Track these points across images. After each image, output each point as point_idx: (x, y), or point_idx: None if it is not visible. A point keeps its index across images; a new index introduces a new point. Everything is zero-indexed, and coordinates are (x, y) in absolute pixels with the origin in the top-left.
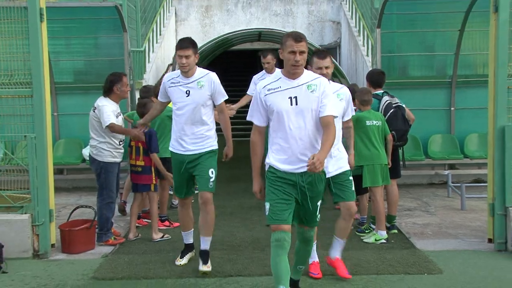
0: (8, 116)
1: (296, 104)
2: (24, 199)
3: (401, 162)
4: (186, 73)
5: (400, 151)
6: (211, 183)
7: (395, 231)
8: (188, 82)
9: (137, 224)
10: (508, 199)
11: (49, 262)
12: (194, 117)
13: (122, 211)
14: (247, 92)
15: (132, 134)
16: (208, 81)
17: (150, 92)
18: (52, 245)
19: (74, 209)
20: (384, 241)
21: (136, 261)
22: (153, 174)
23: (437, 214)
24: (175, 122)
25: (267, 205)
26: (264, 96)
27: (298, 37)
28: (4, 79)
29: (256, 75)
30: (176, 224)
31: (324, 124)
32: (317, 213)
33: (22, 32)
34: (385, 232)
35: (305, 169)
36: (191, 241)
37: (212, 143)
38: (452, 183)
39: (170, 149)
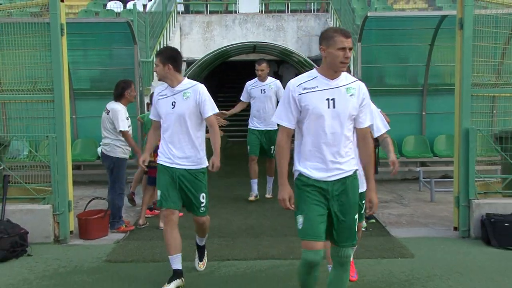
0: (32, 118)
1: (334, 107)
2: (46, 192)
3: (377, 161)
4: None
5: (377, 150)
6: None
7: (373, 220)
8: (174, 93)
9: (147, 215)
10: (471, 192)
11: (68, 246)
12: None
13: (131, 200)
14: (241, 98)
15: (137, 154)
16: (194, 91)
17: None
18: (71, 232)
19: (90, 201)
20: (364, 229)
21: (145, 247)
22: None
23: (410, 206)
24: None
25: (300, 218)
26: (298, 95)
27: (347, 33)
28: (29, 86)
29: (249, 82)
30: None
31: (361, 136)
32: (355, 228)
33: (45, 45)
34: (365, 221)
35: (337, 177)
36: (179, 266)
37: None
38: (423, 178)
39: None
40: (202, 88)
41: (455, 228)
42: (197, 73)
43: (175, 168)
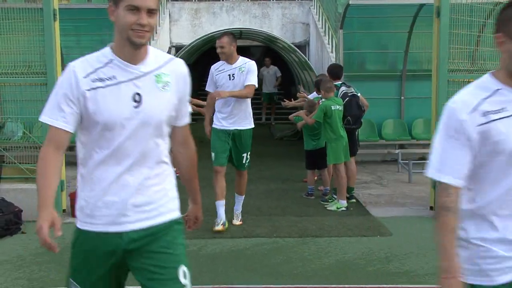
0: (27, 101)
1: None
2: None
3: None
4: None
5: (356, 133)
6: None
7: (354, 200)
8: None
9: None
10: None
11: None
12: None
13: None
14: (207, 89)
15: None
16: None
17: None
18: (64, 211)
19: None
20: (344, 209)
21: None
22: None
23: (388, 186)
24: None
25: None
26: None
27: None
28: (23, 69)
29: (214, 64)
30: None
31: None
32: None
33: (38, 30)
34: (345, 201)
35: None
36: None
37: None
38: (402, 160)
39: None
40: (253, 65)
41: (431, 208)
42: (185, 58)
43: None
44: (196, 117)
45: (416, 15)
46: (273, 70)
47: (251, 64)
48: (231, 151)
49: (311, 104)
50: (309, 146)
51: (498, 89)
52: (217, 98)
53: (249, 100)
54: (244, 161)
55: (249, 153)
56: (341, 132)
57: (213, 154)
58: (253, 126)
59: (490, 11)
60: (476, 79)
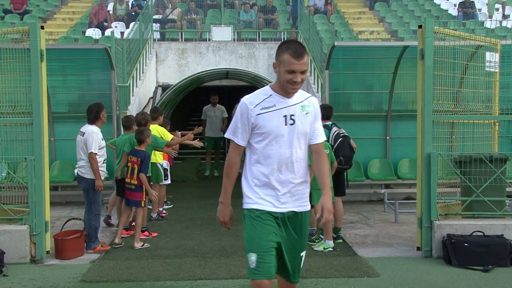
0: (11, 140)
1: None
2: (24, 212)
3: (346, 183)
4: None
5: (345, 173)
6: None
7: (340, 240)
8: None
9: (123, 235)
10: (433, 214)
11: (44, 266)
12: None
13: (108, 224)
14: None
15: (96, 179)
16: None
17: (131, 121)
18: (47, 252)
19: (67, 221)
20: (331, 249)
21: (120, 266)
22: (144, 192)
23: (375, 226)
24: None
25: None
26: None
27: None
28: (8, 109)
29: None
30: (154, 234)
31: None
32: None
33: (25, 70)
34: (332, 241)
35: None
36: None
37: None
38: (388, 200)
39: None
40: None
41: (418, 248)
42: (172, 98)
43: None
44: (183, 156)
45: (400, 57)
46: (220, 110)
47: None
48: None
49: None
50: None
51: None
52: None
53: None
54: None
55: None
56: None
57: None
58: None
59: (472, 53)
60: (460, 120)
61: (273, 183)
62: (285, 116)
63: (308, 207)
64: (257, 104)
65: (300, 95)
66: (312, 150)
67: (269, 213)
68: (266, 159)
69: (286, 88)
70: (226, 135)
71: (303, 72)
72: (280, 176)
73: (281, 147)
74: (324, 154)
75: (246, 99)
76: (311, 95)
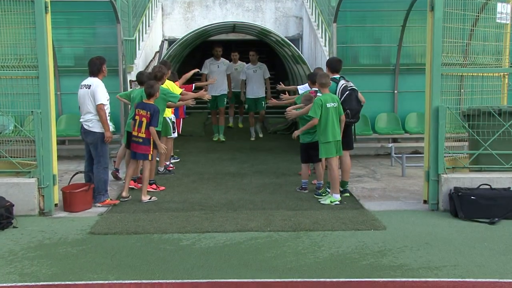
0: (18, 94)
1: None
2: (31, 165)
3: (353, 137)
4: None
5: (353, 127)
6: None
7: (347, 194)
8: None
9: (130, 186)
10: (440, 167)
11: (52, 219)
12: None
13: (116, 177)
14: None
15: (105, 131)
16: None
17: (144, 76)
18: (56, 205)
19: (74, 174)
20: (338, 202)
21: (127, 219)
22: (151, 145)
23: (382, 180)
24: None
25: None
26: None
27: None
28: (14, 63)
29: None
30: (162, 187)
31: None
32: None
33: (29, 22)
34: (339, 195)
35: None
36: None
37: None
38: (395, 154)
39: None
40: None
41: (425, 202)
42: (178, 51)
43: None
44: (190, 111)
45: (409, 9)
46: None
47: None
48: None
49: (307, 98)
50: (305, 139)
51: None
52: None
53: None
54: None
55: None
56: (336, 127)
57: None
58: None
59: (483, 5)
60: (469, 73)
61: None
62: None
63: None
64: None
65: None
66: None
67: None
68: None
69: None
70: None
71: None
72: None
73: None
74: None
75: None
76: None
